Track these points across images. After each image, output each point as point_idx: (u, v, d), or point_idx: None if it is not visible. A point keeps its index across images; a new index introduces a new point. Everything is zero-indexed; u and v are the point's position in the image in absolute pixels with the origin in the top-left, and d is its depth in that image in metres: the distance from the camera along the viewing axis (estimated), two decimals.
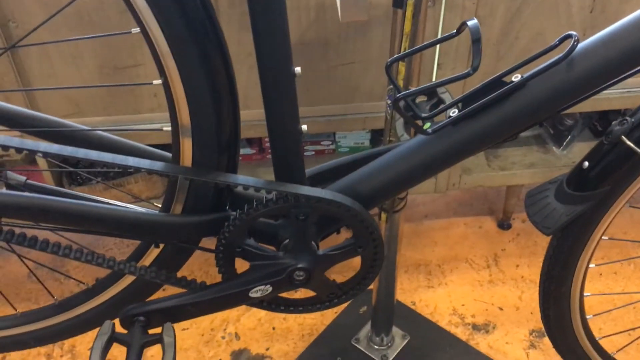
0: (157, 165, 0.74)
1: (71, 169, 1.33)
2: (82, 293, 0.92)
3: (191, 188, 0.79)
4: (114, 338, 0.79)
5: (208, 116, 0.73)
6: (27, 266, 0.95)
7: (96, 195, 0.86)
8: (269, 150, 1.72)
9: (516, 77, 0.70)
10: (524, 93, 0.70)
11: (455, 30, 0.73)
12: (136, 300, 0.91)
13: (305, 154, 1.78)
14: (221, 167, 0.78)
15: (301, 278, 0.81)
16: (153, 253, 0.87)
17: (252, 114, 1.39)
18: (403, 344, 1.55)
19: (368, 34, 1.44)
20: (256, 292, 0.81)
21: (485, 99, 0.71)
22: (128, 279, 0.89)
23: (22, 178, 0.85)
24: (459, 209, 1.96)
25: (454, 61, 1.47)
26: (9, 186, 0.85)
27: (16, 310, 0.94)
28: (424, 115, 0.75)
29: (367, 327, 1.56)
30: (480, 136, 0.73)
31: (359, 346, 1.56)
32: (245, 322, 1.68)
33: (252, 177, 0.76)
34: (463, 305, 1.68)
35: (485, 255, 1.81)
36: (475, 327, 1.62)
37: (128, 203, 0.87)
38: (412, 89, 0.77)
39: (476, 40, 0.68)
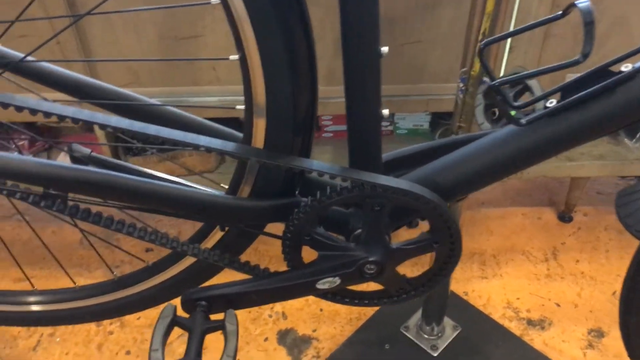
0: (229, 146, 0.70)
1: (133, 144, 1.31)
2: (142, 271, 0.89)
3: (261, 171, 0.75)
4: (175, 322, 0.76)
5: (285, 95, 0.68)
6: (85, 236, 0.92)
7: (150, 168, 0.83)
8: (324, 129, 1.72)
9: (626, 67, 0.64)
10: (635, 85, 0.63)
11: (560, 12, 0.66)
12: (196, 281, 0.88)
13: None
14: (295, 150, 0.73)
15: (372, 272, 0.77)
16: (216, 236, 0.83)
17: None
18: (454, 335, 1.50)
19: (437, 12, 1.38)
20: (324, 284, 0.77)
21: (590, 89, 0.64)
22: (188, 260, 0.86)
23: (87, 150, 0.82)
24: (517, 198, 1.90)
25: (527, 44, 1.39)
26: (74, 159, 0.82)
27: (75, 283, 0.92)
28: (516, 104, 0.69)
29: (418, 315, 1.52)
30: (580, 130, 0.67)
31: (408, 334, 1.52)
32: (293, 301, 1.65)
33: (327, 163, 0.72)
34: (518, 298, 1.63)
35: (543, 247, 1.74)
36: (530, 323, 1.56)
37: (187, 179, 0.84)
38: (507, 75, 0.71)
39: (589, 23, 0.61)
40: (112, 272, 0.91)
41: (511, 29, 1.17)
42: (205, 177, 0.89)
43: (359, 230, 0.77)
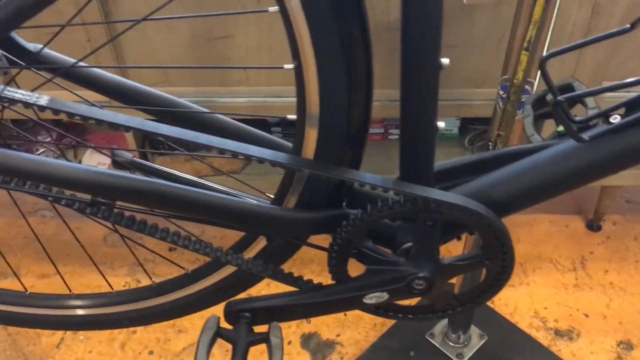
0: (282, 157, 0.68)
1: (177, 153, 1.30)
2: (181, 278, 0.88)
3: (310, 182, 0.74)
4: (219, 334, 0.75)
5: (340, 106, 0.67)
6: (127, 245, 0.91)
7: (177, 168, 0.82)
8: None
9: None
10: None
11: (629, 25, 0.64)
12: (236, 290, 0.87)
13: (389, 137, 1.71)
14: (345, 162, 0.72)
15: (421, 287, 0.75)
16: (259, 245, 0.82)
17: None
18: (480, 344, 1.48)
19: (473, 17, 1.35)
20: (371, 299, 0.75)
21: None
22: (229, 269, 0.84)
23: (129, 155, 0.81)
24: (544, 205, 1.85)
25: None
26: (117, 164, 0.81)
27: (112, 288, 0.91)
28: (578, 118, 0.67)
29: (444, 323, 1.50)
30: None
31: (433, 342, 1.50)
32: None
33: (380, 176, 0.70)
34: (545, 308, 1.60)
35: (571, 256, 1.72)
36: (558, 333, 1.54)
37: (227, 186, 0.83)
38: (563, 86, 0.69)
39: None
40: (151, 279, 0.90)
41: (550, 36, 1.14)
42: (250, 186, 0.87)
43: (407, 244, 0.75)
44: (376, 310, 0.81)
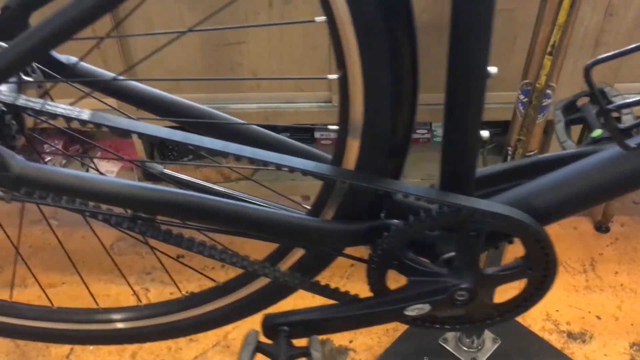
0: (326, 169, 0.67)
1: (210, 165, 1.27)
2: (212, 291, 0.86)
3: (349, 193, 0.72)
4: (260, 348, 0.73)
5: (385, 116, 0.66)
6: (158, 258, 0.89)
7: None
8: None
9: None
10: None
11: None
12: (268, 302, 0.85)
13: None
14: (387, 172, 0.71)
15: (463, 298, 0.74)
16: (294, 257, 0.80)
17: None
18: (494, 348, 1.48)
19: None
20: (412, 311, 0.74)
21: None
22: (262, 281, 0.83)
23: (160, 167, 0.79)
24: None
25: (577, 53, 1.37)
26: (148, 176, 0.80)
27: (140, 301, 0.89)
28: (622, 126, 0.66)
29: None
30: None
31: (446, 346, 1.49)
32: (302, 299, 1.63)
33: (423, 186, 0.69)
34: (557, 310, 1.60)
35: (581, 258, 1.72)
36: (571, 336, 1.54)
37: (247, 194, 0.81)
38: (611, 96, 0.69)
39: None
40: (181, 292, 0.88)
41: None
42: (285, 196, 0.86)
43: (448, 254, 0.74)
44: (413, 321, 0.80)
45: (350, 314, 0.76)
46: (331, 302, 0.79)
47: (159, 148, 1.55)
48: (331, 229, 0.73)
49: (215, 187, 0.81)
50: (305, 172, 0.66)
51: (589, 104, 0.87)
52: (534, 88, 1.07)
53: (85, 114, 0.62)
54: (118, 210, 0.68)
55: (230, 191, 0.81)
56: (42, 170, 0.64)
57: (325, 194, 0.74)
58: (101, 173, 0.75)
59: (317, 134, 1.68)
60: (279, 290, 0.84)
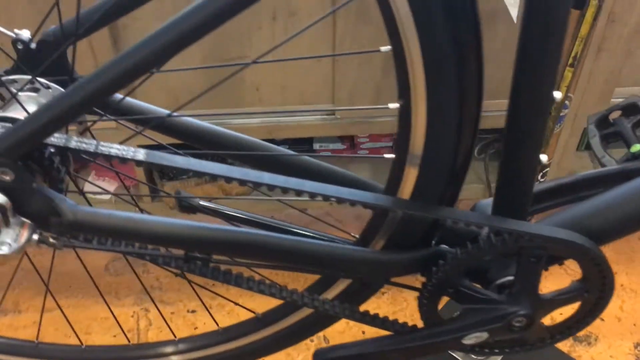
0: (387, 200, 0.65)
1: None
2: (250, 322, 0.84)
3: (402, 221, 0.71)
4: None
5: (447, 146, 0.64)
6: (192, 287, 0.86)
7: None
8: (360, 146, 1.68)
9: None
10: None
11: None
12: (309, 332, 0.83)
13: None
14: (444, 200, 0.69)
15: (521, 324, 0.73)
16: (340, 287, 0.78)
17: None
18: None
19: (493, 28, 1.34)
20: (470, 339, 0.73)
21: None
22: (305, 312, 0.81)
23: (194, 197, 0.76)
24: None
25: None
26: (184, 208, 0.76)
27: (175, 337, 0.86)
28: None
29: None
30: None
31: (454, 354, 1.48)
32: (334, 324, 1.60)
33: (486, 214, 0.68)
34: (561, 314, 1.60)
35: None
36: (577, 338, 1.55)
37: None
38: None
39: None
40: (217, 324, 0.85)
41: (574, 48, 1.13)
42: (333, 226, 0.84)
43: (501, 280, 0.73)
44: (470, 348, 0.79)
45: (406, 345, 0.74)
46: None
47: (160, 171, 1.51)
48: (386, 260, 0.71)
49: (256, 216, 0.78)
50: (367, 206, 0.64)
51: (622, 117, 0.87)
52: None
53: (141, 154, 0.59)
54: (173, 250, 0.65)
55: (267, 219, 0.78)
56: (96, 214, 0.60)
57: (376, 224, 0.72)
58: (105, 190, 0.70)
59: (315, 145, 1.66)
60: (321, 321, 0.82)
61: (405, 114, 0.63)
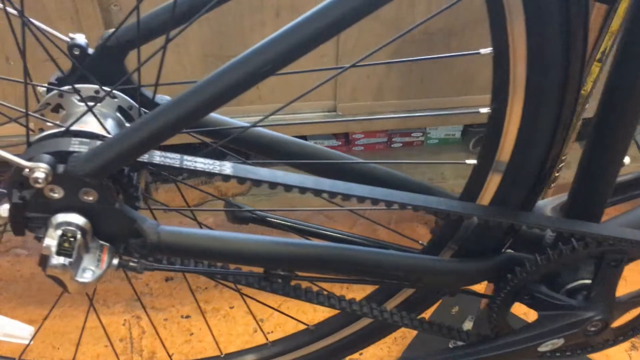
0: (466, 207, 0.63)
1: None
2: (302, 335, 0.80)
3: (479, 229, 0.68)
4: None
5: (536, 155, 0.62)
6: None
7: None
8: (355, 143, 1.65)
9: None
10: None
11: None
12: (364, 344, 0.80)
13: (392, 146, 1.67)
14: (525, 205, 0.67)
15: (596, 329, 0.72)
16: (402, 296, 0.75)
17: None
18: None
19: None
20: (546, 346, 0.71)
21: None
22: (362, 323, 0.78)
23: (245, 206, 0.72)
24: None
25: None
26: (236, 218, 0.72)
27: (221, 354, 0.81)
28: None
29: (467, 327, 1.48)
30: None
31: None
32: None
33: (570, 220, 0.66)
34: None
35: None
36: None
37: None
38: None
39: None
40: (267, 339, 0.81)
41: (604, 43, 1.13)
42: (403, 235, 0.81)
43: (574, 284, 0.72)
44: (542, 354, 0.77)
45: (483, 356, 0.71)
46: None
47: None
48: (464, 269, 0.69)
49: (311, 225, 0.74)
50: (455, 215, 0.61)
51: None
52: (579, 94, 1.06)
53: (227, 168, 0.54)
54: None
55: (324, 228, 0.75)
56: (180, 234, 0.55)
57: (447, 231, 0.70)
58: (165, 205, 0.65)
59: (309, 142, 1.62)
60: (379, 331, 0.79)
61: (496, 119, 0.60)
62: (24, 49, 0.49)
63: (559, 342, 0.71)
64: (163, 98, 0.66)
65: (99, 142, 0.52)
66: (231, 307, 1.58)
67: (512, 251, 0.72)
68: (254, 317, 0.90)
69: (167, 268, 0.58)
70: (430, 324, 0.72)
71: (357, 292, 1.53)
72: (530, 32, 0.53)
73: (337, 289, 1.54)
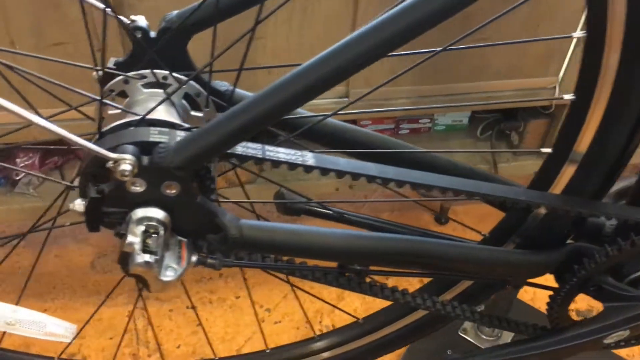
0: (548, 198, 0.61)
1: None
2: (350, 328, 0.77)
3: (545, 219, 0.66)
4: None
5: (615, 146, 0.60)
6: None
7: None
8: None
9: None
10: None
11: None
12: (416, 336, 0.78)
13: (399, 132, 1.65)
14: (597, 195, 0.65)
15: None
16: (459, 288, 0.73)
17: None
18: (513, 335, 1.47)
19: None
20: (612, 338, 0.69)
21: None
22: (416, 315, 0.75)
23: (301, 199, 0.69)
24: None
25: None
26: (289, 210, 0.69)
27: (267, 347, 0.78)
28: None
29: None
30: None
31: (467, 337, 1.47)
32: (341, 313, 1.56)
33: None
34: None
35: None
36: (580, 314, 1.57)
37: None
38: None
39: None
40: (314, 333, 0.78)
41: None
42: (464, 225, 0.78)
43: (637, 274, 0.70)
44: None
45: (548, 349, 0.70)
46: None
47: None
48: (531, 260, 0.67)
49: (367, 217, 0.71)
50: (520, 203, 0.59)
51: None
52: None
53: (309, 158, 0.51)
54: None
55: (380, 220, 0.72)
56: (262, 228, 0.52)
57: (512, 222, 0.68)
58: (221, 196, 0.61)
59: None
60: (432, 323, 0.77)
61: (578, 108, 0.58)
62: (104, 35, 0.45)
63: (624, 333, 0.70)
64: (221, 84, 0.62)
65: (181, 133, 0.48)
66: (237, 297, 1.55)
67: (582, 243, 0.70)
68: (255, 313, 0.86)
69: (246, 264, 0.54)
70: (492, 317, 0.71)
71: (404, 284, 1.52)
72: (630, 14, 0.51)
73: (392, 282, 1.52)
